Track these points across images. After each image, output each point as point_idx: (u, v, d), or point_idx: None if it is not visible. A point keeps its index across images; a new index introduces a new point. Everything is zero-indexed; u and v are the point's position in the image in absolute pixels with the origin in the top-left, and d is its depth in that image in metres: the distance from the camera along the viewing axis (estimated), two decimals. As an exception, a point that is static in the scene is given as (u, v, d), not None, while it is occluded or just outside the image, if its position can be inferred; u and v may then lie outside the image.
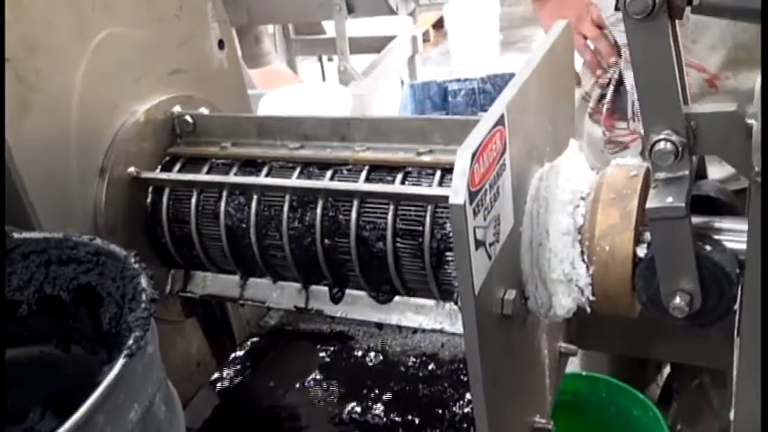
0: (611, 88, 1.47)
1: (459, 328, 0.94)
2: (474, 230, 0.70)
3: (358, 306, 1.00)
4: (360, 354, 1.29)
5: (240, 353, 1.29)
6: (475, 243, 0.70)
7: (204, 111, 1.11)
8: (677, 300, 0.77)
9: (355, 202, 0.93)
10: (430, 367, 1.24)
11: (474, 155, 0.68)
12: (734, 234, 0.80)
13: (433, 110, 3.89)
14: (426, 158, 0.92)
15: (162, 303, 1.11)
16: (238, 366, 1.28)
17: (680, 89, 0.74)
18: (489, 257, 0.75)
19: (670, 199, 0.74)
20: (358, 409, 1.19)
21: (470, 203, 0.68)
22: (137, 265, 0.67)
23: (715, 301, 0.78)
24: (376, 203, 0.92)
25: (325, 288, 1.02)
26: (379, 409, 1.18)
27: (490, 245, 0.75)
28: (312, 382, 1.26)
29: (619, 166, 0.87)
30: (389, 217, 0.91)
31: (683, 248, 0.76)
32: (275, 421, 1.19)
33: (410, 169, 0.93)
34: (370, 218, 0.93)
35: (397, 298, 0.97)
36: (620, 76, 1.47)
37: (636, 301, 0.83)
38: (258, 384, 1.26)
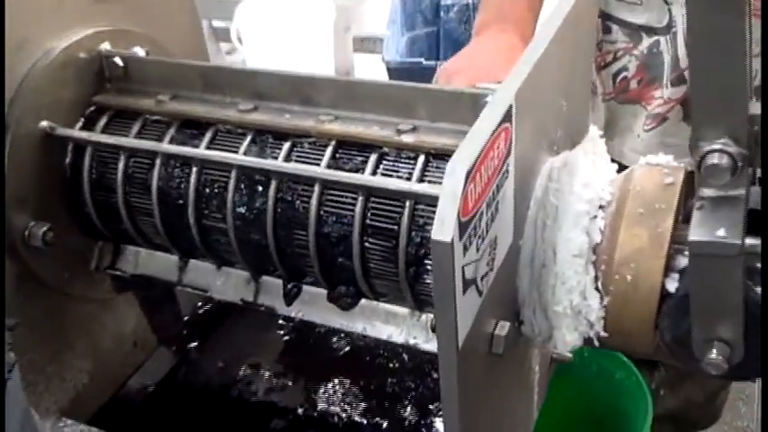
0: (631, 58, 1.24)
1: (435, 346, 0.78)
2: (463, 270, 0.52)
3: (317, 307, 0.83)
4: (322, 331, 1.14)
5: (185, 329, 1.12)
6: (463, 285, 0.52)
7: (140, 51, 0.90)
8: (713, 353, 0.61)
9: (316, 189, 0.74)
10: (404, 357, 1.09)
11: (469, 173, 0.49)
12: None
13: (424, 25, 3.63)
14: (407, 138, 0.73)
15: (86, 280, 0.94)
16: (182, 343, 1.12)
17: (748, 82, 0.55)
18: (480, 293, 0.57)
19: (722, 231, 0.56)
20: (317, 403, 1.04)
21: (460, 238, 0.50)
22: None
23: (757, 353, 0.61)
24: (342, 192, 0.74)
25: (279, 281, 0.84)
26: (338, 400, 1.04)
27: (482, 278, 0.57)
28: (266, 365, 1.11)
29: (649, 168, 0.68)
30: (357, 210, 0.73)
31: (729, 292, 0.59)
32: (220, 411, 1.05)
33: (386, 150, 0.74)
34: (334, 209, 0.74)
35: (363, 301, 0.80)
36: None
37: (656, 340, 0.67)
38: (203, 366, 1.10)
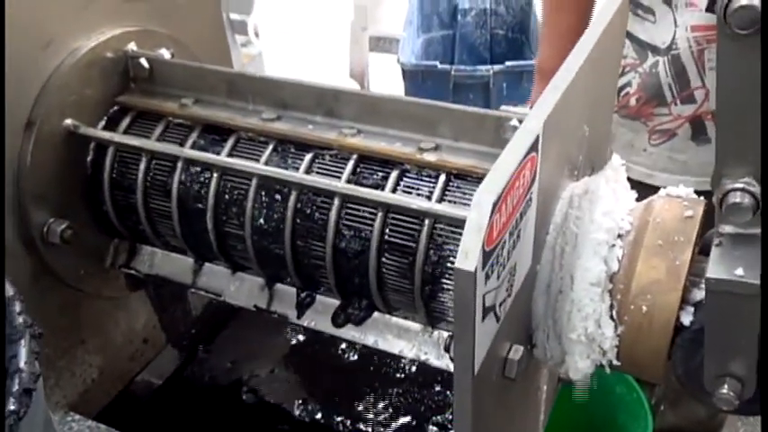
0: (635, 75, 1.25)
1: (447, 363, 0.78)
2: (483, 299, 0.52)
3: (329, 317, 0.83)
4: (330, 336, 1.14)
5: (194, 328, 1.13)
6: (483, 312, 0.53)
7: (165, 53, 0.91)
8: (725, 389, 0.61)
9: (336, 202, 0.75)
10: (411, 367, 1.10)
11: (495, 204, 0.50)
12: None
13: (440, 28, 3.62)
14: (429, 157, 0.74)
15: (101, 277, 0.95)
16: (191, 342, 1.13)
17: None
18: (498, 320, 0.58)
19: (740, 270, 0.57)
20: (322, 408, 1.05)
21: (483, 268, 0.50)
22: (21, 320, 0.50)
23: (770, 392, 0.62)
24: (362, 207, 0.74)
25: (293, 289, 0.85)
26: (343, 407, 1.05)
27: (500, 304, 0.58)
28: (273, 366, 1.12)
29: (669, 200, 0.68)
30: (376, 226, 0.73)
31: (744, 329, 0.59)
32: (225, 410, 1.05)
33: (408, 167, 0.75)
34: (353, 223, 0.75)
35: (376, 314, 0.81)
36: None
37: (668, 371, 0.67)
38: (210, 365, 1.11)
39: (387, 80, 3.40)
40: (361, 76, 3.45)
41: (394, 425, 1.02)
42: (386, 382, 1.07)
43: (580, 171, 0.74)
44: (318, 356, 1.11)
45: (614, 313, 0.66)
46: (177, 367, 1.09)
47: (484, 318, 0.54)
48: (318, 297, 0.84)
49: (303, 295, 0.83)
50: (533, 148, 0.55)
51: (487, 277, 0.52)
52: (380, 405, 1.04)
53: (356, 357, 1.10)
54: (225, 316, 1.17)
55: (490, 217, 0.49)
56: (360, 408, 1.06)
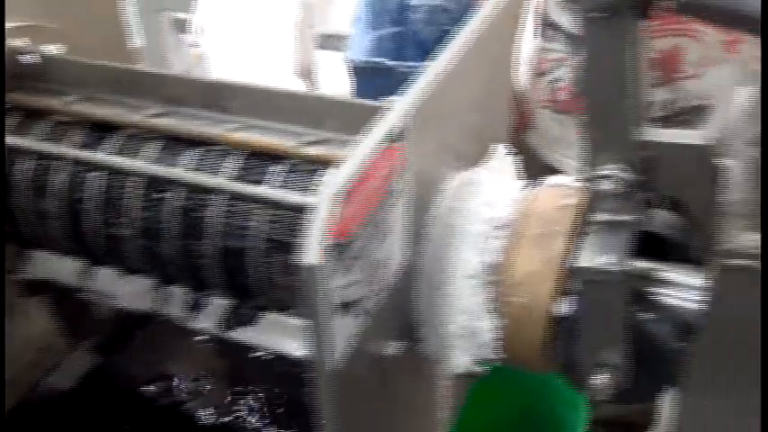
0: (566, 70, 1.24)
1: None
2: (339, 293, 0.51)
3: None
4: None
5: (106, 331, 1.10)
6: (338, 307, 0.51)
7: (54, 48, 0.88)
8: (598, 378, 0.61)
9: (221, 199, 0.73)
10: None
11: (341, 194, 0.48)
12: (684, 291, 0.63)
13: (391, 24, 3.59)
14: (314, 150, 0.72)
15: (-8, 283, 0.91)
16: (103, 346, 1.10)
17: (640, 109, 0.55)
18: (364, 315, 0.56)
19: (606, 258, 0.56)
20: (231, 411, 1.03)
21: (330, 262, 0.49)
22: None
23: (645, 380, 0.61)
24: (247, 204, 0.72)
25: (186, 290, 0.82)
26: (252, 409, 1.03)
27: (366, 299, 0.56)
28: (183, 370, 1.09)
29: (552, 189, 0.68)
30: (262, 223, 0.71)
31: (613, 318, 0.59)
32: (133, 416, 1.03)
33: (294, 162, 0.73)
34: (239, 221, 0.73)
35: (270, 315, 0.79)
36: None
37: (552, 363, 0.67)
38: (118, 370, 1.08)
39: (335, 78, 3.38)
40: (307, 74, 3.42)
41: (304, 427, 1.00)
42: (296, 383, 1.05)
43: (472, 162, 0.73)
44: (231, 359, 1.09)
45: (493, 306, 0.65)
46: (84, 374, 1.06)
47: (342, 313, 0.52)
48: (214, 299, 0.82)
49: (195, 296, 0.81)
50: (396, 137, 0.54)
51: (341, 271, 0.50)
52: (288, 407, 1.02)
53: (266, 359, 1.08)
54: (138, 318, 1.14)
55: (335, 208, 0.48)
56: (278, 411, 1.04)
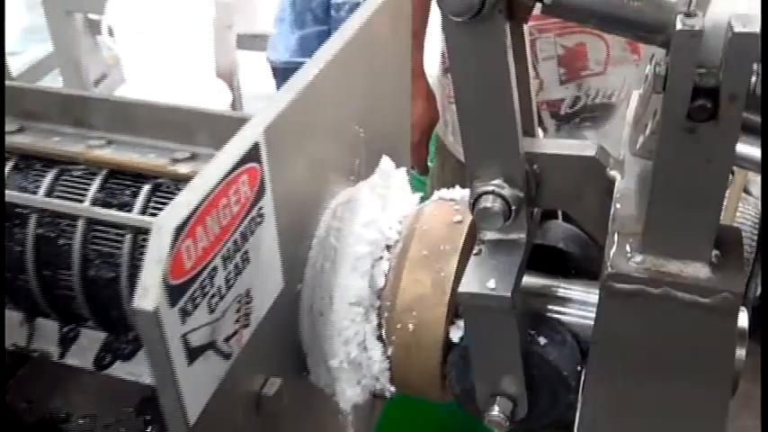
0: None
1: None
2: (185, 339, 0.45)
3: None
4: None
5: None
6: (188, 354, 0.45)
7: None
8: (495, 410, 0.56)
9: (80, 225, 0.65)
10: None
11: (181, 229, 0.42)
12: (584, 308, 0.59)
13: (315, 23, 3.52)
14: (183, 168, 0.65)
15: None
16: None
17: (518, 120, 0.50)
18: (227, 356, 0.50)
19: (492, 283, 0.51)
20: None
21: (173, 304, 0.43)
22: None
23: (544, 408, 0.57)
24: (110, 229, 0.65)
25: (56, 323, 0.75)
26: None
27: (228, 338, 0.50)
28: (74, 403, 1.00)
29: (440, 204, 0.63)
30: (126, 250, 0.64)
31: (506, 347, 0.54)
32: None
33: (161, 181, 0.66)
34: (102, 247, 0.66)
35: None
36: None
37: (448, 393, 0.62)
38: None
39: (258, 79, 3.29)
40: (228, 75, 3.31)
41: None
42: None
43: (363, 177, 0.68)
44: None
45: (383, 333, 0.60)
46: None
47: (194, 359, 0.46)
48: (85, 330, 0.74)
49: (65, 330, 0.73)
50: (249, 158, 0.48)
51: (187, 313, 0.44)
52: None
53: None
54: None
55: (173, 244, 0.42)
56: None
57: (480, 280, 0.52)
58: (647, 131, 0.44)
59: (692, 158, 0.39)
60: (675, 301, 0.43)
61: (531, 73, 0.82)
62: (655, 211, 0.42)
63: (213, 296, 0.47)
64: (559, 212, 0.72)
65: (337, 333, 0.58)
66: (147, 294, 0.41)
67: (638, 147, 0.46)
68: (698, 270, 0.43)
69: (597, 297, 0.57)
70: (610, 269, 0.44)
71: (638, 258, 0.44)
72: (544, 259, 0.62)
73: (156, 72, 2.73)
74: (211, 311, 0.47)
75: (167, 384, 0.44)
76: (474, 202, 0.52)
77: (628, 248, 0.44)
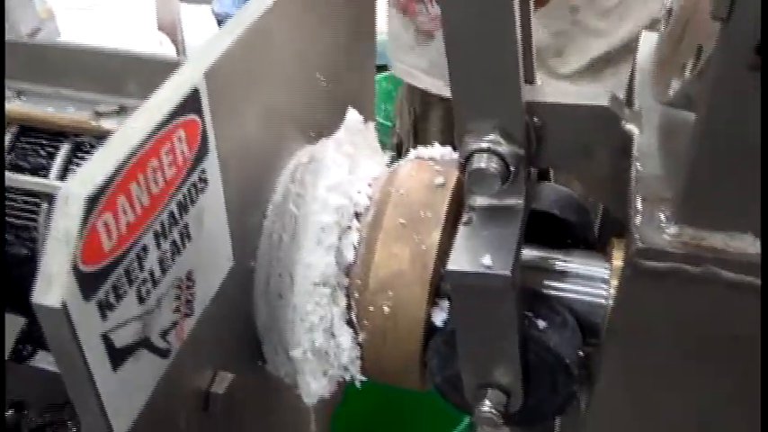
0: None
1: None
2: (107, 338, 0.35)
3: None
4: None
5: None
6: (111, 357, 0.36)
7: None
8: (486, 405, 0.48)
9: (-15, 192, 0.54)
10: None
11: (96, 199, 0.32)
12: (587, 284, 0.50)
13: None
14: (109, 124, 0.55)
15: None
16: None
17: (521, 60, 0.41)
18: (165, 353, 0.41)
19: (487, 259, 0.43)
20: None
21: (89, 297, 0.33)
22: None
23: (542, 398, 0.49)
24: (22, 197, 0.54)
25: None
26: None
27: (166, 332, 0.40)
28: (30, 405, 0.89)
29: (419, 164, 0.54)
30: (42, 221, 0.54)
31: (501, 331, 0.46)
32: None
33: (83, 139, 0.55)
34: (15, 219, 0.55)
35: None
36: None
37: (428, 382, 0.53)
38: None
39: (203, 33, 3.14)
40: (171, 28, 3.14)
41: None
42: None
43: (327, 133, 0.58)
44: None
45: (353, 317, 0.51)
46: None
47: (120, 362, 0.36)
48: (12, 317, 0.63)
49: (-23, 316, 0.63)
50: (187, 107, 0.38)
51: (108, 308, 0.34)
52: None
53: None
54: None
55: (86, 221, 0.32)
56: None
57: (473, 255, 0.43)
58: (687, 73, 0.35)
59: (754, 105, 0.31)
60: (719, 280, 0.35)
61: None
62: (698, 170, 0.34)
63: (144, 282, 0.37)
64: (551, 173, 0.64)
65: (299, 318, 0.49)
66: (52, 286, 0.31)
67: (671, 94, 0.37)
68: (747, 244, 0.35)
69: (602, 271, 0.50)
70: (639, 243, 0.36)
71: (673, 230, 0.36)
72: (536, 227, 0.53)
73: (93, 26, 2.55)
74: (142, 302, 0.37)
75: (86, 396, 0.35)
76: (465, 162, 0.43)
77: (662, 218, 0.36)
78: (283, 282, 0.50)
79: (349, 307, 0.51)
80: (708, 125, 0.32)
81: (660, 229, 0.36)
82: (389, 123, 1.47)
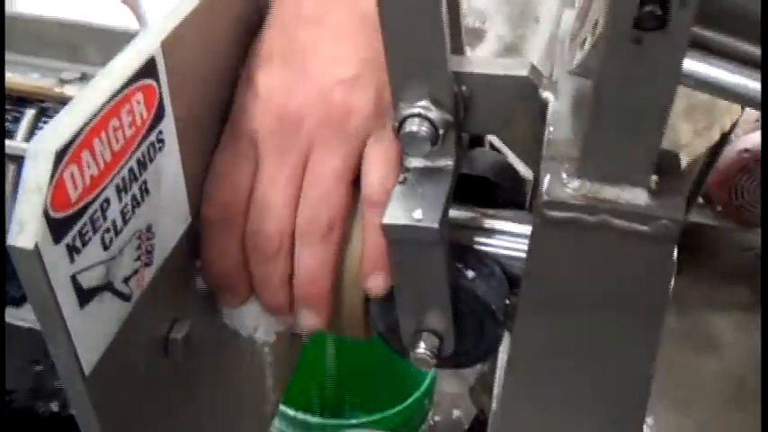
0: None
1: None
2: (74, 279, 0.39)
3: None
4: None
5: None
6: (79, 296, 0.40)
7: None
8: (421, 348, 0.53)
9: (-47, 155, 0.58)
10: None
11: (64, 153, 0.36)
12: (512, 239, 0.56)
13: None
14: (72, 90, 0.58)
15: None
16: None
17: (446, 32, 0.46)
18: (126, 297, 0.45)
19: (418, 213, 0.48)
20: None
21: (58, 240, 0.37)
22: None
23: (472, 343, 0.55)
24: (-11, 158, 0.58)
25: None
26: None
27: (128, 278, 0.45)
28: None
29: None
30: (9, 183, 0.57)
31: (433, 281, 0.51)
32: None
33: (47, 105, 0.59)
34: (-19, 180, 0.58)
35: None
36: None
37: (371, 330, 0.59)
38: None
39: (166, 4, 3.12)
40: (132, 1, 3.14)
41: None
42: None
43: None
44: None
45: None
46: None
47: (86, 301, 0.41)
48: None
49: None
50: (144, 73, 0.42)
51: (75, 251, 0.39)
52: None
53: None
54: None
55: (55, 171, 0.36)
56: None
57: (406, 210, 0.48)
58: (586, 46, 0.40)
59: (637, 72, 0.36)
60: (612, 228, 0.40)
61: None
62: (593, 132, 0.39)
63: (107, 231, 0.41)
64: (486, 140, 0.69)
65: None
66: (25, 229, 0.35)
67: (575, 64, 0.43)
68: (636, 196, 0.40)
69: (526, 228, 0.55)
70: (545, 196, 0.41)
71: (575, 184, 0.41)
72: (471, 190, 0.59)
73: (52, -3, 2.52)
74: (105, 248, 0.41)
75: (56, 331, 0.39)
76: (399, 126, 0.48)
77: (564, 175, 0.41)
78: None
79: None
80: (598, 90, 0.37)
81: (563, 183, 0.41)
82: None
